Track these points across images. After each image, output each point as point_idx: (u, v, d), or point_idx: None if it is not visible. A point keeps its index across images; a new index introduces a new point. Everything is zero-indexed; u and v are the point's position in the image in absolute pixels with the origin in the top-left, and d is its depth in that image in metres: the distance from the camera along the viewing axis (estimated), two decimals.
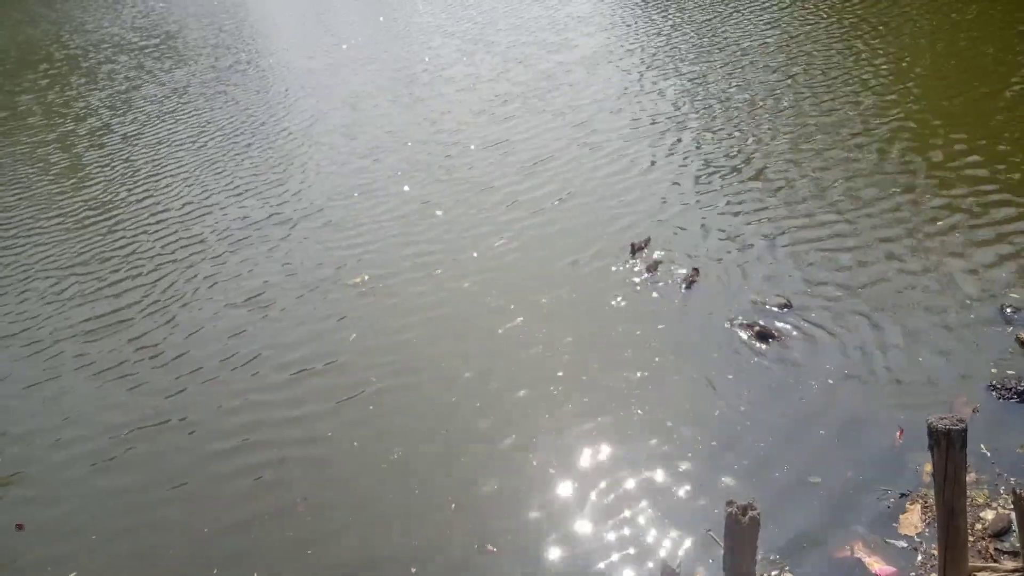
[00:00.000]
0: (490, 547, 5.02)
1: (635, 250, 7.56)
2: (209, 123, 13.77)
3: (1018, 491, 3.88)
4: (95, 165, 12.58)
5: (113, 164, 12.50)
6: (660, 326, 6.73)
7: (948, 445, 3.30)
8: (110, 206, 10.94)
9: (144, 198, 11.02)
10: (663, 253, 7.61)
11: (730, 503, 3.27)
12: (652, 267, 7.33)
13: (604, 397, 6.03)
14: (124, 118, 14.77)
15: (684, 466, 5.36)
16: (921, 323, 6.25)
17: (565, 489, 5.36)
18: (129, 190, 11.38)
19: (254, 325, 7.66)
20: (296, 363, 6.98)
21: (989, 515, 4.72)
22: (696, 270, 7.19)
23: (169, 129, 13.77)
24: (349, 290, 7.95)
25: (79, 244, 9.95)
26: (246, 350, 7.28)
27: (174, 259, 9.19)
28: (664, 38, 14.43)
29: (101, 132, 14.22)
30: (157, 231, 9.98)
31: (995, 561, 4.46)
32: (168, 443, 6.33)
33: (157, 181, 11.55)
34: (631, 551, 4.86)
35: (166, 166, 12.06)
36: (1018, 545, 4.47)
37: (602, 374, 6.25)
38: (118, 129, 14.17)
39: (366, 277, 8.17)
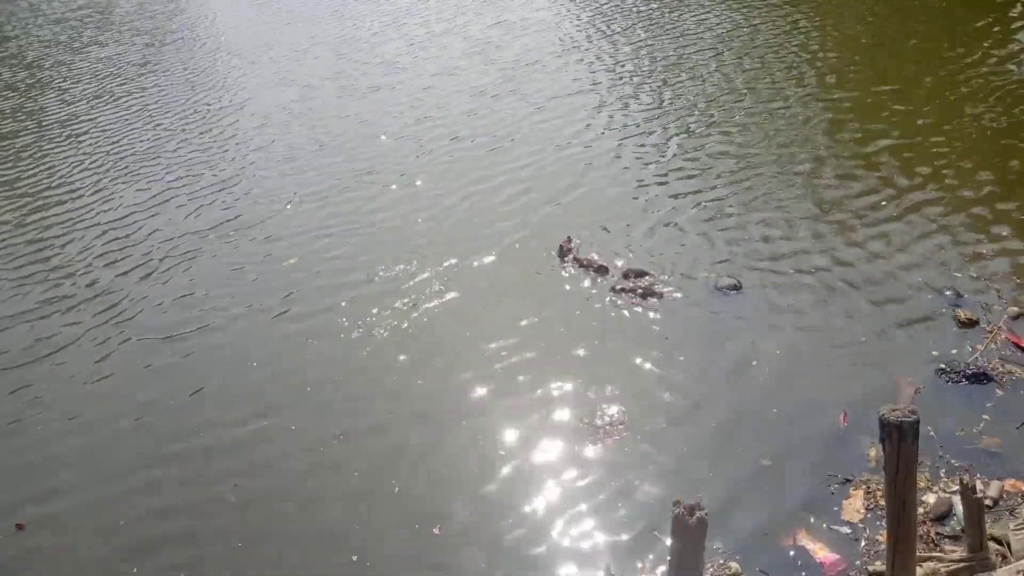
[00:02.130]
0: (435, 530, 4.88)
1: (563, 252, 7.16)
2: (145, 108, 12.36)
3: (964, 480, 3.83)
4: (6, 158, 11.11)
5: (29, 156, 11.04)
6: (598, 308, 6.56)
7: (900, 438, 3.16)
8: (22, 209, 9.49)
9: (66, 200, 9.58)
10: (607, 250, 7.27)
11: (676, 503, 3.07)
12: (588, 264, 6.99)
13: (551, 386, 5.83)
14: (45, 101, 13.26)
15: (634, 453, 5.22)
16: (865, 305, 6.22)
17: (510, 478, 5.17)
18: (47, 191, 9.92)
19: (178, 366, 6.56)
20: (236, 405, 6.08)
21: (931, 498, 4.68)
22: (648, 276, 6.84)
23: (99, 116, 12.28)
24: (289, 324, 6.90)
25: None
26: (170, 396, 6.25)
27: (97, 280, 7.81)
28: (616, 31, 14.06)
29: (15, 117, 12.63)
30: (78, 242, 8.56)
31: (937, 546, 4.42)
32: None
33: (82, 179, 10.08)
34: (574, 545, 4.70)
35: (94, 161, 10.61)
36: (958, 529, 4.45)
37: (549, 364, 6.03)
38: (37, 115, 12.66)
39: (294, 260, 7.76)
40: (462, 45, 13.46)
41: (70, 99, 13.26)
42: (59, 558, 5.06)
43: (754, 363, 5.79)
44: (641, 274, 6.80)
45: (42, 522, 5.30)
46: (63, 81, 14.33)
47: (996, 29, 10.95)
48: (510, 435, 5.49)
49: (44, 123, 12.35)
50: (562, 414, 5.59)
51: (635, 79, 11.09)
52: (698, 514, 3.04)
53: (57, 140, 11.58)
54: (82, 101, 13.05)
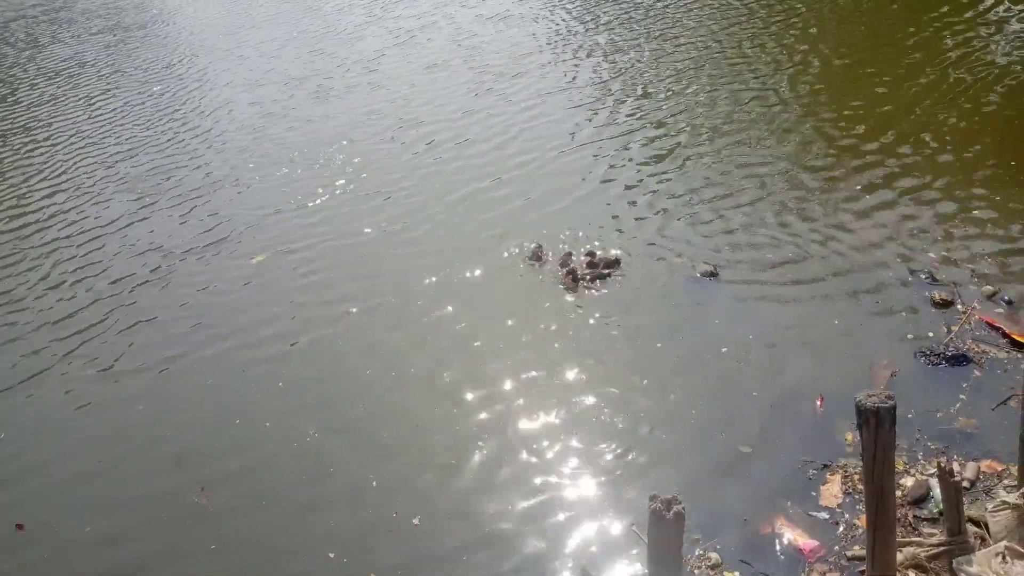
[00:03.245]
0: (415, 520, 4.82)
1: (537, 257, 6.96)
2: (111, 112, 11.65)
3: (942, 463, 3.80)
4: None
5: None
6: (573, 304, 6.48)
7: (877, 424, 3.12)
8: None
9: (24, 216, 8.82)
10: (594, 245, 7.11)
11: (653, 497, 3.00)
12: (565, 263, 6.79)
13: (529, 384, 5.74)
14: (2, 106, 12.62)
15: (611, 445, 5.15)
16: (840, 288, 6.19)
17: (489, 476, 5.09)
18: (2, 204, 9.39)
19: (153, 378, 6.30)
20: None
21: (908, 481, 4.66)
22: (617, 260, 6.77)
23: (61, 121, 11.56)
24: (268, 330, 6.67)
25: None
26: (142, 402, 6.05)
27: (44, 313, 7.23)
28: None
29: None
30: (38, 263, 7.99)
31: (915, 529, 4.41)
32: None
33: (42, 192, 9.41)
34: (551, 542, 4.64)
35: (56, 171, 9.94)
36: (936, 512, 4.44)
37: (526, 362, 5.92)
38: None
39: (262, 258, 7.60)
40: (446, 39, 13.06)
41: (29, 102, 12.71)
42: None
43: (730, 350, 5.74)
44: (615, 264, 6.72)
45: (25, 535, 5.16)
46: (23, 83, 13.75)
47: (970, 14, 10.97)
48: (489, 434, 5.39)
49: (1, 130, 11.80)
50: (540, 409, 5.50)
51: (625, 71, 10.85)
52: (675, 508, 2.97)
53: (15, 148, 10.99)
54: (43, 105, 12.47)
